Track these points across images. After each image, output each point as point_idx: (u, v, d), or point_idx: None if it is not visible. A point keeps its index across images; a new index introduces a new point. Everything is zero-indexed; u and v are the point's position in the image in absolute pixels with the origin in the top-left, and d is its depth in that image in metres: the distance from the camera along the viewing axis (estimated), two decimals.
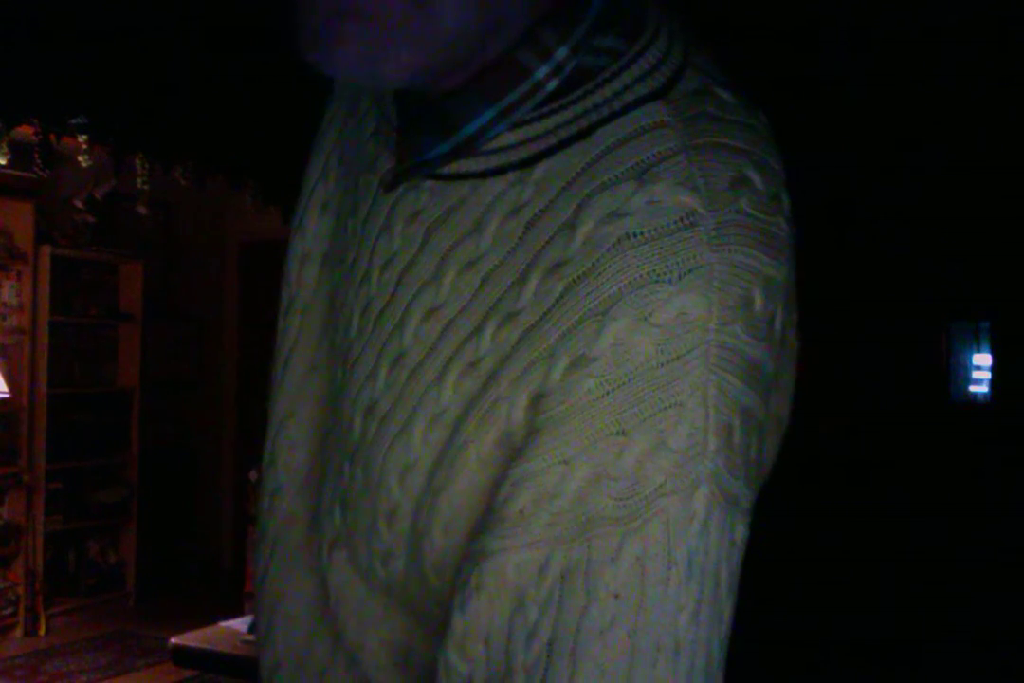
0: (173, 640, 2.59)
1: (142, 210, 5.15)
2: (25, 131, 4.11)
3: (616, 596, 0.48)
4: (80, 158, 4.13)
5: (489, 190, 0.55)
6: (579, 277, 0.50)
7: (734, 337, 0.49)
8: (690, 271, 0.48)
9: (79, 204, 5.22)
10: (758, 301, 0.49)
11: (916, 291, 4.92)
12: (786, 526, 4.25)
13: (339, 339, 0.63)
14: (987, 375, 5.15)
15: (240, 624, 2.61)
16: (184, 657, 2.63)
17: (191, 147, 4.03)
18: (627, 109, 0.53)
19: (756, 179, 0.51)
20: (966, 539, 4.27)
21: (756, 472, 0.52)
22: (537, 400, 0.50)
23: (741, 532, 0.51)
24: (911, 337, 5.03)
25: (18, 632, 4.91)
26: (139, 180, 4.28)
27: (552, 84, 0.54)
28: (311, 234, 0.68)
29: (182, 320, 6.12)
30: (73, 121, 3.78)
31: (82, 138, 3.92)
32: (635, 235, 0.49)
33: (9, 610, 4.90)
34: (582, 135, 0.53)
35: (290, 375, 0.68)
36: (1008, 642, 3.77)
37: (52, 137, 3.87)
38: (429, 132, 0.57)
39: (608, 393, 0.48)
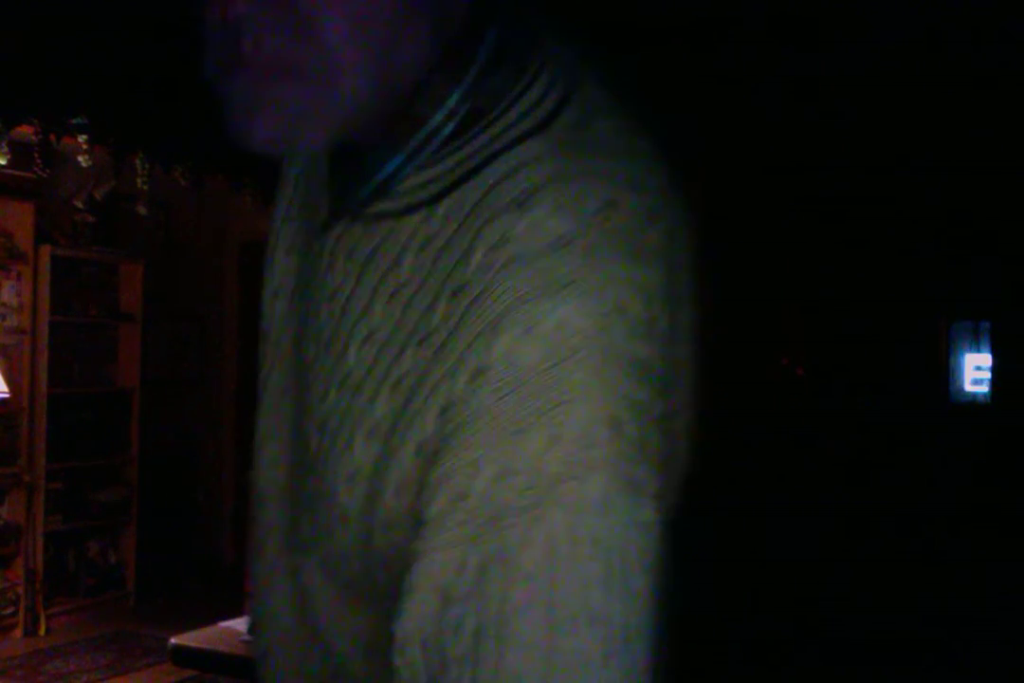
0: (173, 640, 2.59)
1: (142, 210, 5.15)
2: (25, 131, 4.11)
3: (530, 577, 0.53)
4: (80, 158, 4.13)
5: (405, 227, 0.62)
6: (475, 298, 0.56)
7: (614, 339, 0.54)
8: (566, 286, 0.54)
9: (79, 204, 5.22)
10: (634, 307, 0.55)
11: (916, 291, 4.92)
12: (787, 526, 4.25)
13: (301, 365, 0.70)
14: (987, 375, 5.15)
15: (240, 624, 2.60)
16: (184, 657, 2.63)
17: (191, 147, 4.03)
18: (511, 146, 0.59)
19: (626, 200, 0.57)
20: (966, 539, 4.27)
21: (661, 460, 0.56)
22: (445, 411, 0.57)
23: (648, 515, 0.55)
24: (911, 337, 5.02)
25: (18, 632, 4.91)
26: (139, 180, 4.28)
27: (448, 128, 0.61)
28: (279, 272, 0.76)
29: (182, 320, 6.12)
30: (73, 121, 3.78)
31: (82, 138, 3.92)
32: (518, 258, 0.55)
33: (9, 610, 4.90)
34: (474, 172, 0.59)
35: (268, 398, 0.76)
36: (1009, 642, 3.77)
37: (52, 137, 3.87)
38: (352, 179, 0.65)
39: (503, 398, 0.54)
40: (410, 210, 0.62)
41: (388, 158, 0.62)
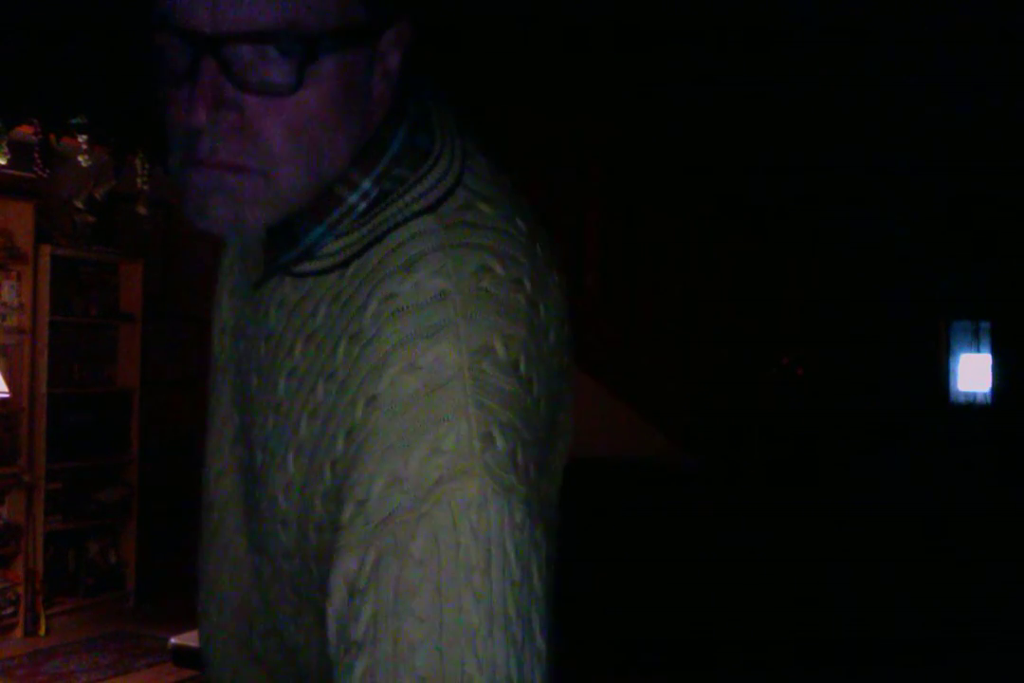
0: (173, 640, 2.59)
1: (142, 210, 5.15)
2: (25, 131, 4.11)
3: (420, 562, 0.62)
4: (80, 158, 4.13)
5: (323, 283, 0.75)
6: (368, 341, 0.69)
7: (483, 372, 0.66)
8: (441, 329, 0.66)
9: (79, 204, 5.22)
10: (500, 349, 0.67)
11: (916, 291, 4.92)
12: (787, 526, 4.25)
13: (244, 394, 0.83)
14: (987, 375, 5.15)
15: None
16: (184, 657, 2.63)
17: None
18: (406, 220, 0.73)
19: (497, 267, 0.70)
20: (966, 539, 4.27)
21: (530, 476, 0.66)
22: (349, 434, 0.68)
23: (520, 517, 0.64)
24: (911, 337, 5.02)
25: (18, 632, 4.91)
26: (139, 180, 4.28)
27: (361, 206, 0.75)
28: (225, 312, 0.91)
29: (182, 320, 6.12)
30: (73, 121, 3.78)
31: (82, 138, 3.92)
32: (403, 309, 0.68)
33: (9, 610, 4.90)
34: (377, 241, 0.73)
35: (215, 419, 0.90)
36: (1010, 642, 3.77)
37: (52, 137, 3.87)
38: (283, 243, 0.78)
39: (392, 419, 0.65)
40: (327, 270, 0.75)
41: (312, 228, 0.76)
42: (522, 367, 0.67)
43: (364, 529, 0.64)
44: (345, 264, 0.74)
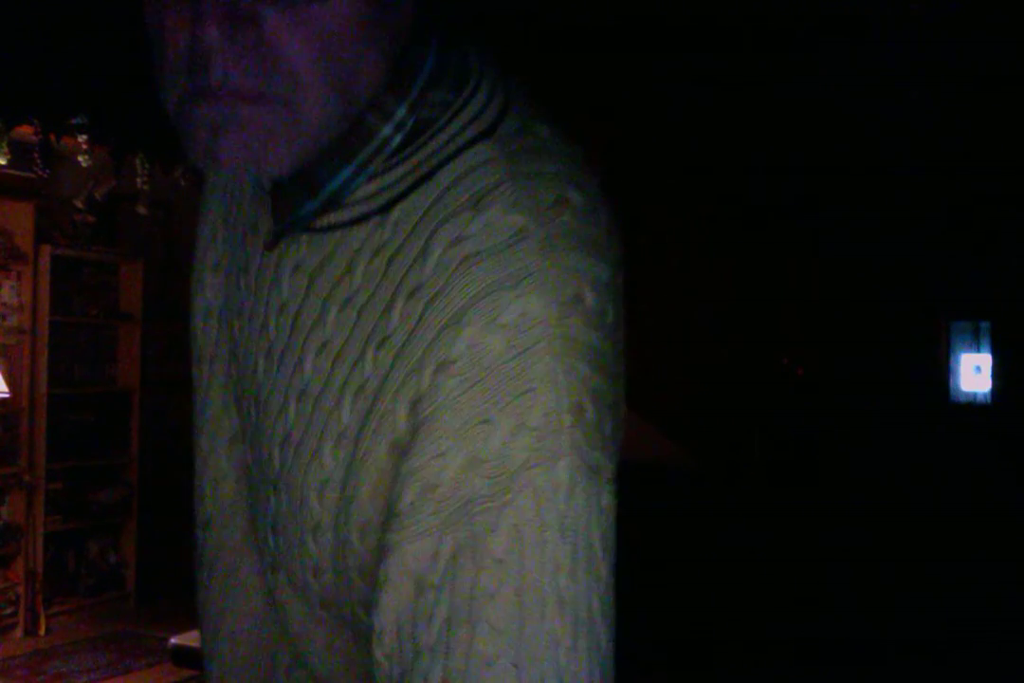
0: (173, 640, 2.59)
1: (142, 210, 5.15)
2: (25, 131, 4.11)
3: (500, 562, 0.54)
4: (80, 158, 4.13)
5: (356, 236, 0.63)
6: (434, 296, 0.58)
7: (573, 329, 0.57)
8: (526, 277, 0.56)
9: (79, 204, 5.22)
10: (589, 298, 0.58)
11: (916, 291, 4.92)
12: (787, 526, 4.25)
13: (247, 382, 0.71)
14: (987, 375, 5.15)
15: None
16: (184, 657, 2.63)
17: None
18: (460, 151, 0.62)
19: (575, 197, 0.60)
20: (966, 539, 4.27)
21: (613, 446, 0.59)
22: (414, 406, 0.58)
23: (607, 499, 0.57)
24: (911, 337, 5.02)
25: (18, 632, 4.91)
26: (139, 180, 4.28)
27: (397, 139, 0.63)
28: (209, 291, 0.79)
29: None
30: (73, 121, 3.78)
31: (82, 138, 3.92)
32: (476, 254, 0.57)
33: (9, 610, 4.90)
34: (425, 179, 0.62)
35: (206, 418, 0.78)
36: (1010, 642, 3.77)
37: (52, 137, 3.87)
38: (299, 192, 0.65)
39: (470, 388, 0.56)
40: (361, 220, 0.63)
41: (338, 170, 0.64)
42: (609, 315, 0.59)
43: (434, 518, 0.56)
44: (384, 210, 0.63)
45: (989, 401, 5.10)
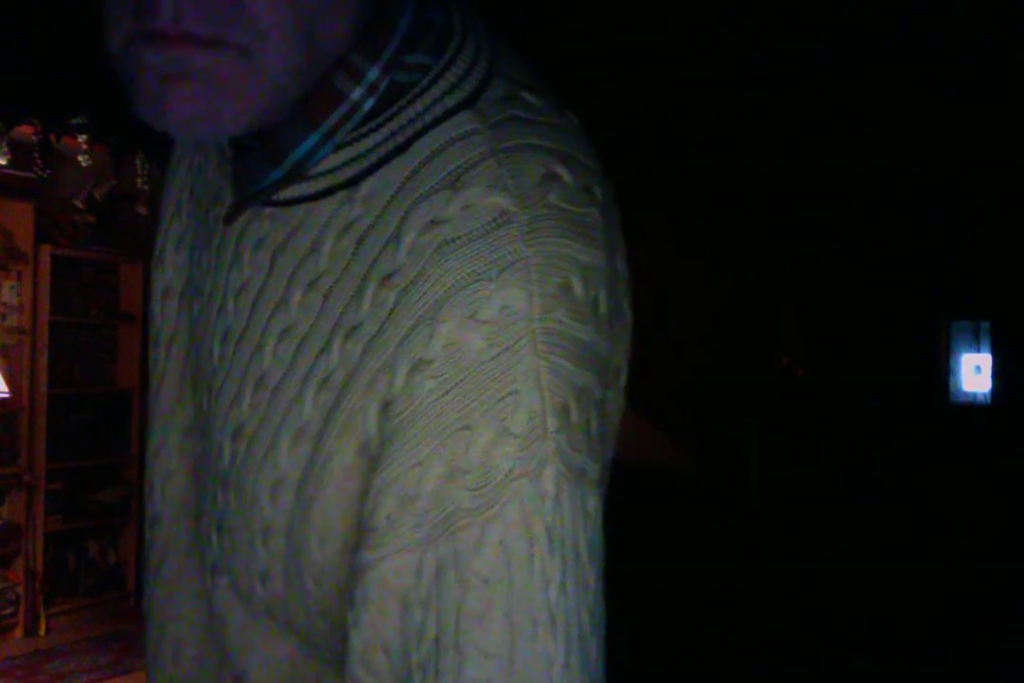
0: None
1: (142, 210, 5.14)
2: (25, 131, 4.11)
3: (486, 581, 0.50)
4: (80, 158, 4.14)
5: (322, 211, 0.57)
6: (408, 285, 0.53)
7: (558, 323, 0.51)
8: (508, 267, 0.51)
9: (79, 204, 5.22)
10: (577, 287, 0.52)
11: (916, 291, 4.92)
12: (787, 526, 4.25)
13: (203, 368, 0.64)
14: (987, 375, 5.15)
15: None
16: None
17: None
18: (438, 121, 0.55)
19: (564, 174, 0.54)
20: (966, 539, 4.27)
21: (600, 445, 0.54)
22: (386, 407, 0.53)
23: (593, 503, 0.53)
24: (911, 337, 5.02)
25: (18, 632, 4.91)
26: (139, 180, 4.28)
27: (368, 103, 0.56)
28: (170, 269, 0.72)
29: None
30: (73, 121, 3.78)
31: (82, 138, 3.92)
32: (454, 240, 0.52)
33: (9, 610, 4.90)
34: (400, 151, 0.56)
35: (159, 406, 0.72)
36: (1009, 641, 3.77)
37: (52, 137, 3.87)
38: (261, 161, 0.59)
39: (448, 391, 0.51)
40: (327, 193, 0.58)
41: (302, 138, 0.57)
42: (602, 306, 0.54)
43: (416, 533, 0.52)
44: (354, 183, 0.57)
45: (989, 401, 5.10)
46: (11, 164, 4.17)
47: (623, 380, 0.60)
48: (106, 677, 4.44)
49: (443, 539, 0.51)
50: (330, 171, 0.57)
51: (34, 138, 4.04)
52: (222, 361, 0.62)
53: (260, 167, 0.59)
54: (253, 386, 0.59)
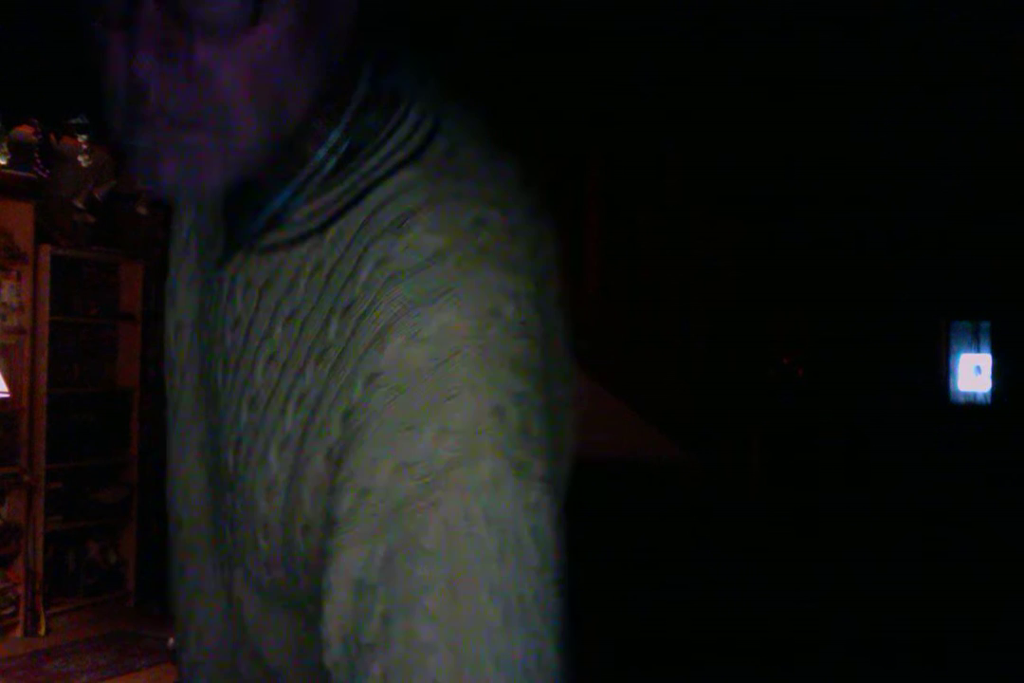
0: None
1: (142, 210, 5.15)
2: (25, 131, 4.12)
3: (432, 555, 0.58)
4: (80, 158, 4.14)
5: (297, 254, 0.68)
6: (363, 313, 0.62)
7: (492, 339, 0.60)
8: (445, 294, 0.60)
9: (79, 204, 5.22)
10: (508, 310, 0.61)
11: (916, 291, 4.92)
12: (787, 526, 4.25)
13: (211, 390, 0.76)
14: (987, 375, 5.15)
15: None
16: None
17: None
18: (387, 175, 0.66)
19: (494, 217, 0.64)
20: (966, 539, 4.27)
21: (543, 445, 0.61)
22: (346, 417, 0.62)
23: (536, 495, 0.60)
24: (911, 337, 5.03)
25: (18, 632, 4.91)
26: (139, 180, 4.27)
27: (331, 163, 0.68)
28: (181, 305, 0.82)
29: None
30: (73, 121, 3.78)
31: (82, 138, 3.92)
32: (399, 273, 0.62)
33: (9, 610, 4.90)
34: (356, 201, 0.66)
35: (178, 425, 0.82)
36: (1009, 641, 3.77)
37: (52, 137, 3.87)
38: (246, 214, 0.71)
39: (396, 398, 0.60)
40: (301, 239, 0.68)
41: (278, 193, 0.69)
42: (533, 326, 0.62)
43: (370, 521, 0.59)
44: (321, 229, 0.67)
45: (989, 401, 5.10)
46: (11, 164, 4.17)
47: (571, 391, 0.68)
48: (106, 677, 4.45)
49: (393, 526, 0.58)
50: (303, 220, 0.68)
51: (34, 138, 4.04)
52: (224, 384, 0.72)
53: (245, 217, 0.71)
54: (248, 405, 0.69)
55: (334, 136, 0.67)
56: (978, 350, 5.14)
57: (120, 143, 0.64)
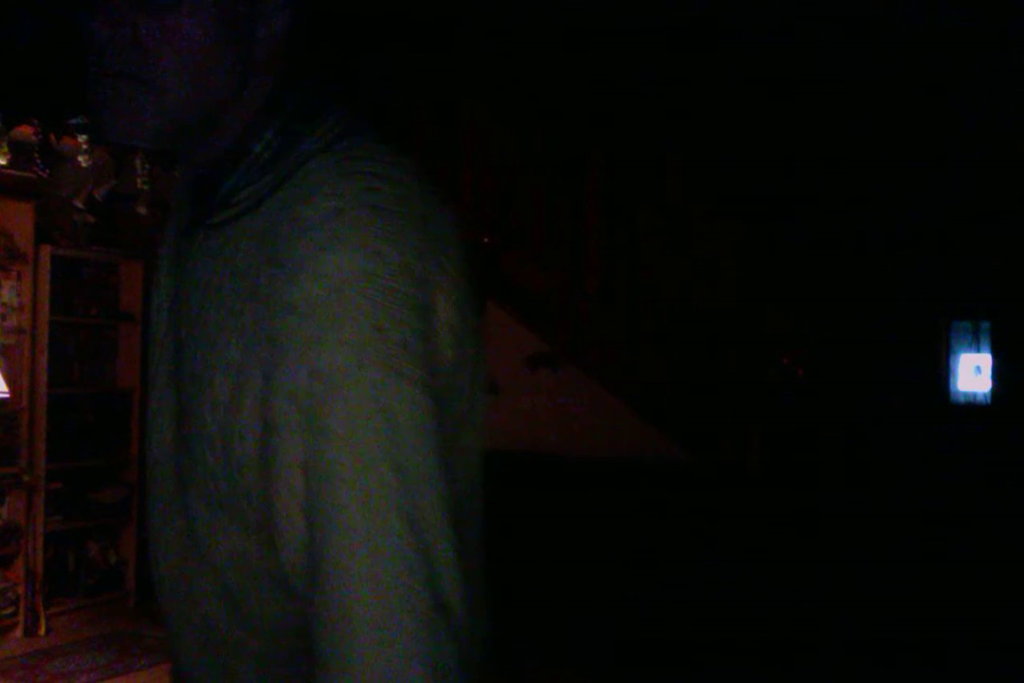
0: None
1: (142, 210, 5.15)
2: (25, 131, 4.12)
3: (343, 439, 0.75)
4: (80, 158, 4.14)
5: (243, 227, 0.87)
6: (282, 261, 0.80)
7: (375, 274, 0.77)
8: (339, 241, 0.77)
9: (79, 204, 5.22)
10: (391, 254, 0.78)
11: (916, 291, 4.93)
12: (786, 526, 4.25)
13: (177, 343, 0.93)
14: (987, 375, 5.15)
15: None
16: None
17: None
18: (305, 162, 0.86)
19: (385, 188, 0.81)
20: (966, 539, 4.27)
21: (424, 359, 0.79)
22: (272, 339, 0.79)
23: (410, 392, 0.77)
24: (911, 337, 5.03)
25: (18, 632, 4.91)
26: (139, 180, 4.28)
27: (266, 155, 0.89)
28: (163, 290, 1.01)
29: None
30: (73, 121, 3.78)
31: (82, 138, 3.92)
32: (307, 228, 0.79)
33: (9, 610, 4.90)
34: (283, 182, 0.86)
35: (155, 387, 0.98)
36: (1009, 641, 3.77)
37: (52, 137, 3.87)
38: (204, 198, 0.91)
39: (304, 321, 0.77)
40: (243, 213, 0.87)
41: (226, 180, 0.89)
42: (416, 270, 0.79)
43: (300, 416, 0.76)
44: (257, 205, 0.86)
45: (989, 401, 5.10)
46: (11, 164, 4.17)
47: (472, 371, 0.85)
48: (106, 677, 4.45)
49: (314, 419, 0.76)
50: (244, 199, 0.88)
51: (34, 138, 4.04)
52: (187, 335, 0.90)
53: (204, 202, 0.91)
54: (204, 345, 0.86)
55: (269, 134, 0.89)
56: (978, 350, 5.14)
57: (89, 100, 0.83)
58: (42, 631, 4.96)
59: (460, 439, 0.84)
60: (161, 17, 0.82)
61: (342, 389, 0.76)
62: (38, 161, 4.17)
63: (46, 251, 4.99)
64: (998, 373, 5.08)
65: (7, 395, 4.77)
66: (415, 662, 0.73)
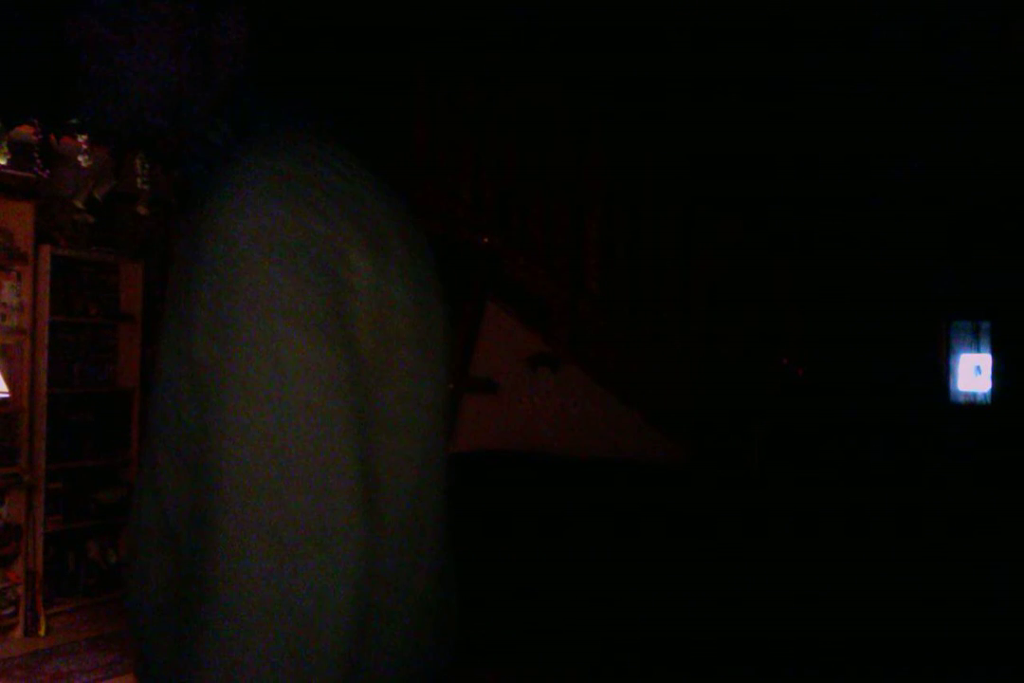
0: None
1: (142, 210, 5.15)
2: (25, 131, 4.12)
3: (243, 382, 0.83)
4: (80, 158, 4.14)
5: (199, 205, 0.95)
6: (197, 226, 0.88)
7: (271, 232, 0.85)
8: (241, 206, 0.86)
9: (79, 204, 5.22)
10: (287, 216, 0.85)
11: (916, 291, 4.92)
12: (786, 526, 4.25)
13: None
14: (987, 375, 5.15)
15: None
16: None
17: None
18: (246, 149, 0.93)
19: (297, 167, 0.90)
20: (966, 539, 4.27)
21: (323, 308, 0.85)
22: (185, 297, 0.89)
23: (314, 341, 0.84)
24: (911, 337, 5.03)
25: (18, 632, 4.91)
26: (139, 180, 4.28)
27: (223, 145, 1.00)
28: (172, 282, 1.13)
29: None
30: (73, 121, 3.78)
31: (82, 138, 3.92)
32: (219, 197, 0.88)
33: (9, 610, 4.90)
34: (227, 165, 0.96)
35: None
36: (1009, 641, 3.78)
37: (52, 137, 3.87)
38: (185, 185, 1.03)
39: (204, 280, 0.86)
40: (202, 194, 0.93)
41: (195, 167, 1.02)
42: (312, 224, 0.86)
43: (207, 371, 0.85)
44: (208, 187, 0.95)
45: (989, 401, 5.11)
46: (11, 164, 4.17)
47: (364, 276, 0.91)
48: (106, 677, 4.44)
49: (221, 372, 0.84)
50: (205, 183, 0.95)
51: (34, 138, 4.04)
52: (167, 306, 0.98)
53: (185, 188, 1.03)
54: (170, 313, 0.94)
55: (226, 129, 1.01)
56: (978, 350, 5.14)
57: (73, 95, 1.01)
58: (42, 631, 4.96)
59: (394, 437, 0.91)
60: (122, 29, 0.98)
61: (256, 345, 0.82)
62: (38, 161, 4.17)
63: (46, 251, 4.99)
64: (998, 373, 5.08)
65: (7, 395, 4.77)
66: (303, 590, 0.79)
